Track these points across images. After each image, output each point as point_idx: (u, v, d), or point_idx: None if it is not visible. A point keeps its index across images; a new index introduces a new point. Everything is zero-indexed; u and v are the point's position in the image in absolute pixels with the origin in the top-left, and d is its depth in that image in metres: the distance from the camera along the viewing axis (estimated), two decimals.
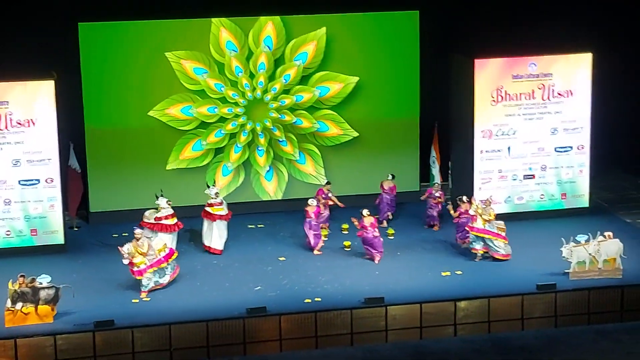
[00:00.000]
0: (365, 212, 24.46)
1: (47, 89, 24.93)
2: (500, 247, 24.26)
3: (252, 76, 27.38)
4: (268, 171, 27.99)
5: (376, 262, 24.27)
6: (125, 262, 22.60)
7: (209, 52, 26.99)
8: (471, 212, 24.50)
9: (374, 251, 24.35)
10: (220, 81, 27.23)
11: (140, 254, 22.63)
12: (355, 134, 28.13)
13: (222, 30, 26.98)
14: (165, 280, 22.95)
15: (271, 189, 28.09)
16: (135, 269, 22.65)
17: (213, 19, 26.90)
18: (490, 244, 24.25)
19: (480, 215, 24.26)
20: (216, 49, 27.03)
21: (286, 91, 27.65)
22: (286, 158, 27.99)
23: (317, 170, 28.15)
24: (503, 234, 24.32)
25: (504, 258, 24.24)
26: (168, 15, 27.01)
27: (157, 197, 24.56)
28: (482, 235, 24.24)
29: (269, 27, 27.20)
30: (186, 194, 26.91)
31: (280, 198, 28.09)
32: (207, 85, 27.19)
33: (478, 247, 24.41)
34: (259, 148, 27.82)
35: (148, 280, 22.69)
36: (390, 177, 26.93)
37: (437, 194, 26.52)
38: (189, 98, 27.17)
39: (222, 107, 27.36)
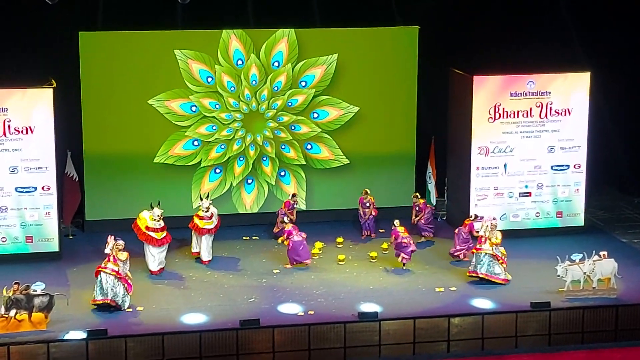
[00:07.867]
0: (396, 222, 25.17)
1: (46, 97, 24.96)
2: (501, 272, 24.05)
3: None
4: (250, 184, 28.00)
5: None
6: (106, 251, 22.52)
7: (217, 58, 26.99)
8: (480, 232, 24.46)
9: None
10: (232, 79, 27.19)
11: (118, 258, 22.51)
12: (346, 161, 28.09)
13: (233, 39, 26.98)
14: (109, 296, 22.35)
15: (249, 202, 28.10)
16: (104, 264, 22.46)
17: (224, 30, 26.92)
18: (492, 267, 23.98)
19: (489, 239, 24.16)
20: (224, 56, 27.03)
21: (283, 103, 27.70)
22: (293, 163, 27.99)
23: (335, 153, 28.11)
24: (505, 260, 24.20)
25: (503, 282, 23.96)
26: (170, 26, 27.07)
27: (152, 207, 24.52)
28: (492, 255, 23.97)
29: (283, 42, 27.23)
30: (179, 204, 26.97)
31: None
32: (220, 81, 27.09)
33: (475, 268, 24.05)
34: (264, 158, 27.81)
35: (101, 283, 22.26)
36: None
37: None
38: (190, 93, 27.08)
39: (221, 112, 27.32)
